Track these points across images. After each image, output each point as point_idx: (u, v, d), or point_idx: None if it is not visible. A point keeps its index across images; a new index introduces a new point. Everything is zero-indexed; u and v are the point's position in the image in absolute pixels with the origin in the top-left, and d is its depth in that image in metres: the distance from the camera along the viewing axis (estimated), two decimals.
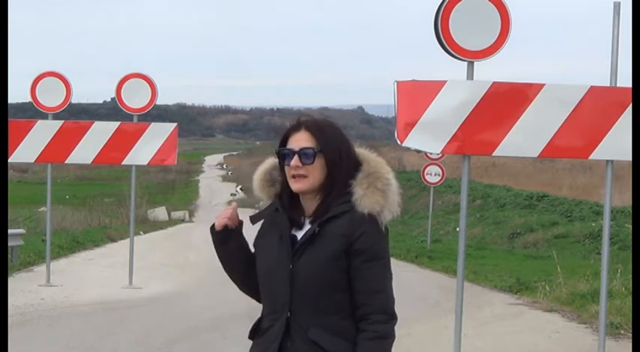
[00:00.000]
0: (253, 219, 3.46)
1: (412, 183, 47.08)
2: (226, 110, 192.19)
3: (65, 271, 16.83)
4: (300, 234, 3.34)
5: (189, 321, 11.45)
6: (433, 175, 24.55)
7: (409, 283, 16.86)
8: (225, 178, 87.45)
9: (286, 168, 3.34)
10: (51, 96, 14.84)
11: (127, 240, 16.71)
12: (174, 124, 14.84)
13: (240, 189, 66.65)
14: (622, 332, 11.03)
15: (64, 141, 14.18)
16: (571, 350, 10.44)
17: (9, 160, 13.64)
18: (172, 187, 65.49)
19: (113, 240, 25.52)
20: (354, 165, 3.36)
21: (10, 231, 15.33)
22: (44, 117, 14.69)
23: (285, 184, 3.39)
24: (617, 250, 21.94)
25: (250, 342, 3.46)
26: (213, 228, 3.45)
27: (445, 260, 21.79)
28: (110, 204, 41.63)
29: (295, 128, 3.37)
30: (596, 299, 11.33)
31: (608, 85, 8.04)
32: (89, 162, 14.65)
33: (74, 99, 16.95)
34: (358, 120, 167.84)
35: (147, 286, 14.96)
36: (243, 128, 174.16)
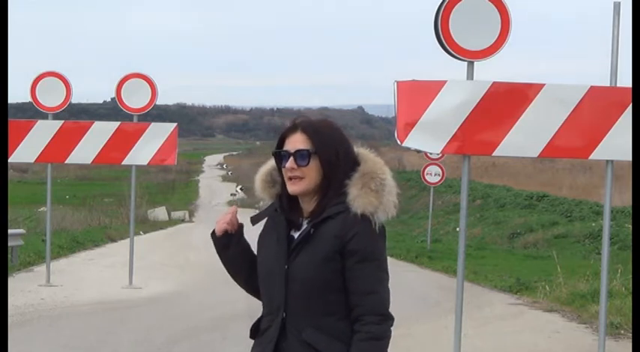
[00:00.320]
0: (253, 220, 3.47)
1: (412, 183, 47.10)
2: (226, 110, 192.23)
3: (65, 271, 16.83)
4: (297, 235, 3.34)
5: (189, 321, 11.46)
6: (433, 175, 24.55)
7: (409, 283, 16.86)
8: (225, 178, 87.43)
9: (283, 169, 3.35)
10: (51, 96, 14.84)
11: (127, 240, 16.71)
12: (174, 124, 14.84)
13: (240, 189, 66.63)
14: (622, 332, 11.03)
15: (64, 141, 14.18)
16: (571, 350, 10.44)
17: (9, 160, 13.64)
18: (172, 187, 65.47)
19: (113, 240, 25.52)
20: (352, 165, 3.35)
21: (10, 231, 15.33)
22: (44, 117, 14.69)
23: (284, 185, 3.39)
24: (617, 250, 21.94)
25: (251, 342, 3.47)
26: (214, 233, 3.45)
27: (445, 260, 21.79)
28: (110, 204, 41.63)
29: (291, 129, 3.37)
30: (596, 299, 11.33)
31: (608, 85, 8.04)
32: (89, 162, 14.65)
33: (74, 99, 16.98)
34: (358, 120, 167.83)
35: (147, 286, 14.96)
36: (243, 128, 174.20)
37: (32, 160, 14.60)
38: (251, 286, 3.48)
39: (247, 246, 3.48)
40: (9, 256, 16.19)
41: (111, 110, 76.10)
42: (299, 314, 3.28)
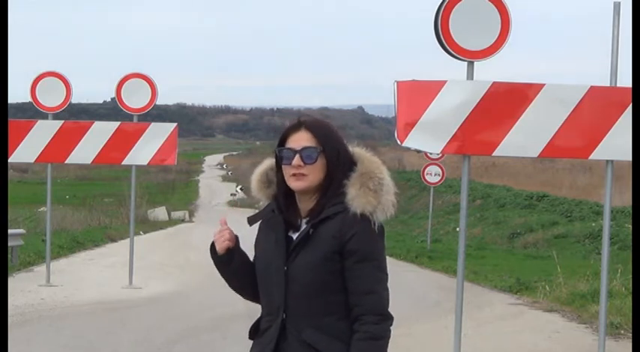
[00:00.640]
0: (251, 221, 3.45)
1: (412, 183, 47.09)
2: (226, 110, 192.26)
3: (65, 271, 16.83)
4: (295, 236, 3.33)
5: (189, 321, 11.46)
6: (433, 175, 24.54)
7: (409, 283, 16.87)
8: (225, 178, 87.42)
9: (285, 167, 3.33)
10: (51, 96, 14.84)
11: (127, 240, 16.71)
12: (174, 124, 14.84)
13: (240, 189, 66.59)
14: (622, 332, 11.03)
15: (64, 141, 14.18)
16: (571, 350, 10.44)
17: (9, 160, 13.64)
18: (172, 187, 65.43)
19: (113, 240, 25.51)
20: (350, 165, 3.35)
21: (10, 231, 15.33)
22: (44, 117, 14.69)
23: (280, 185, 3.39)
24: (617, 250, 21.94)
25: (250, 342, 3.47)
26: (214, 253, 3.42)
27: (445, 260, 21.78)
28: (110, 204, 41.61)
29: (295, 127, 3.37)
30: (596, 299, 11.33)
31: (608, 85, 8.04)
32: (89, 162, 14.65)
33: (74, 99, 16.96)
34: (358, 120, 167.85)
35: (147, 286, 14.96)
36: (243, 128, 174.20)
37: (32, 160, 14.60)
38: (253, 293, 3.46)
39: (247, 257, 3.47)
40: (9, 256, 16.18)
41: (111, 110, 76.08)
42: (299, 314, 3.28)
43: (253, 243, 3.48)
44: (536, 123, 7.78)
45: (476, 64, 8.04)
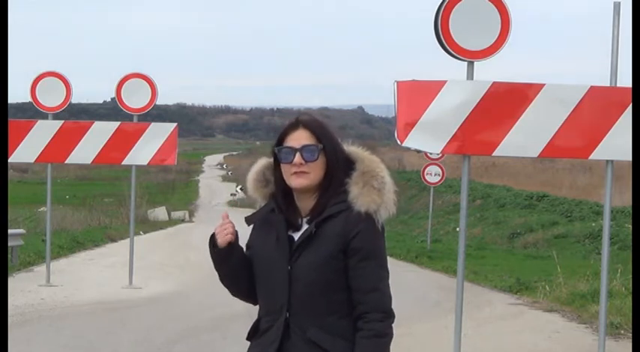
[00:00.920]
0: (249, 220, 3.44)
1: (412, 183, 47.09)
2: (226, 110, 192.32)
3: (65, 271, 16.83)
4: (296, 235, 3.33)
5: (189, 321, 11.46)
6: (433, 175, 24.54)
7: (409, 283, 16.86)
8: (225, 178, 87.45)
9: (285, 166, 3.33)
10: (51, 96, 14.83)
11: (127, 240, 16.71)
12: (174, 124, 14.84)
13: (240, 189, 66.57)
14: (622, 332, 11.03)
15: (64, 141, 14.18)
16: (571, 350, 10.44)
17: (9, 160, 13.64)
18: (172, 187, 65.45)
19: (113, 240, 25.52)
20: (347, 163, 3.36)
21: (10, 231, 15.33)
22: (44, 117, 14.69)
23: (279, 184, 3.38)
24: (617, 250, 21.94)
25: (248, 343, 3.46)
26: (214, 246, 3.38)
27: (445, 260, 21.78)
28: (110, 204, 41.62)
29: (293, 126, 3.36)
30: (596, 299, 11.33)
31: (608, 84, 8.04)
32: (89, 162, 14.65)
33: (74, 99, 16.96)
34: (358, 120, 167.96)
35: (147, 286, 14.96)
36: (243, 128, 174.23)
37: (32, 160, 14.60)
38: (251, 292, 3.45)
39: (244, 254, 3.44)
40: (9, 256, 16.18)
41: (111, 110, 76.07)
42: (302, 313, 3.28)
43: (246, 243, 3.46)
44: (536, 123, 7.78)
45: (476, 64, 8.04)
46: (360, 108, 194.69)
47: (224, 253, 3.37)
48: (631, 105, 7.71)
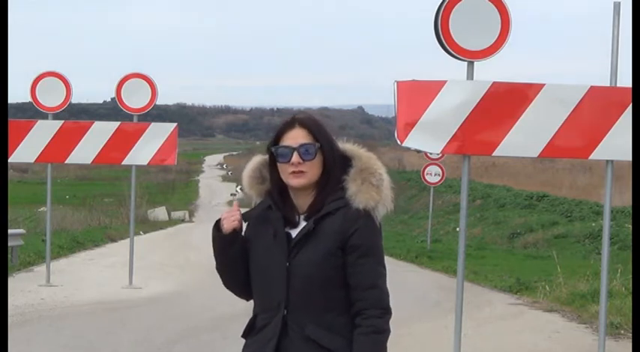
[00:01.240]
0: (246, 218, 3.44)
1: (412, 183, 47.11)
2: (226, 110, 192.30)
3: (65, 271, 16.83)
4: (294, 232, 3.33)
5: (189, 321, 11.46)
6: (433, 175, 24.55)
7: (409, 283, 16.87)
8: (225, 178, 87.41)
9: (282, 165, 3.33)
10: (51, 96, 14.84)
11: (127, 240, 16.71)
12: (174, 124, 14.84)
13: (240, 189, 66.22)
14: (622, 332, 11.03)
15: (64, 141, 14.18)
16: (571, 350, 10.44)
17: (9, 160, 13.64)
18: (172, 187, 65.44)
19: (113, 240, 25.52)
20: (343, 160, 3.36)
21: (10, 231, 15.33)
22: (44, 117, 14.69)
23: (275, 182, 3.38)
24: (617, 250, 21.94)
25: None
26: (218, 231, 3.39)
27: (445, 260, 21.79)
28: (110, 204, 41.63)
29: (289, 125, 3.36)
30: (596, 299, 11.32)
31: (608, 84, 8.04)
32: (89, 162, 14.65)
33: (74, 99, 16.96)
34: (358, 120, 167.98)
35: (147, 286, 14.96)
36: (243, 128, 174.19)
37: (32, 160, 14.60)
38: (246, 285, 3.44)
39: (245, 245, 3.45)
40: (9, 256, 16.18)
41: (111, 110, 76.06)
42: (300, 310, 3.28)
43: None
44: (536, 123, 7.78)
45: (476, 64, 8.04)
46: (360, 108, 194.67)
47: (228, 239, 3.37)
48: (631, 105, 7.71)
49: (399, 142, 7.83)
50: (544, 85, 7.87)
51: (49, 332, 10.57)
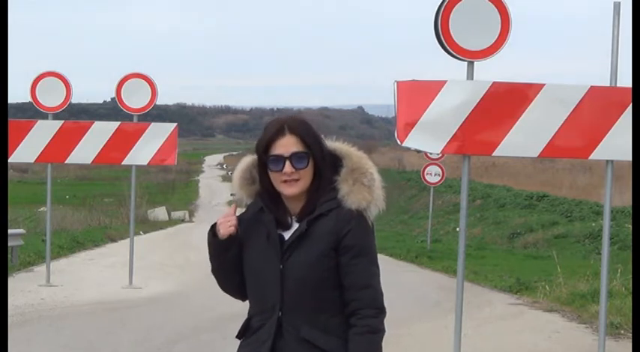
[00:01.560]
0: (240, 220, 3.42)
1: (412, 183, 47.15)
2: (226, 110, 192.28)
3: (65, 271, 16.83)
4: (287, 234, 3.33)
5: (189, 321, 11.46)
6: (433, 175, 24.55)
7: (409, 283, 16.88)
8: (225, 178, 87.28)
9: (275, 174, 3.30)
10: (51, 96, 14.84)
11: (127, 240, 16.71)
12: (174, 124, 14.84)
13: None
14: (622, 332, 11.03)
15: (64, 141, 14.18)
16: (571, 350, 10.44)
17: (9, 160, 13.64)
18: (172, 187, 65.43)
19: (113, 240, 25.52)
20: (333, 159, 3.35)
21: (10, 231, 15.33)
22: (44, 117, 14.69)
23: (265, 186, 3.35)
24: (617, 250, 21.95)
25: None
26: (214, 236, 3.38)
27: (445, 260, 21.79)
28: (110, 204, 41.63)
29: (280, 132, 3.31)
30: (596, 299, 11.33)
31: (608, 84, 8.04)
32: (89, 162, 14.65)
33: (74, 99, 16.96)
34: (358, 120, 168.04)
35: (147, 286, 14.96)
36: (243, 128, 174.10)
37: (32, 160, 14.60)
38: (241, 287, 3.44)
39: (240, 249, 3.43)
40: (9, 256, 16.19)
41: (111, 110, 76.09)
42: (295, 312, 3.28)
43: None
44: (536, 123, 7.78)
45: (476, 64, 8.04)
46: (360, 108, 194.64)
47: (224, 245, 3.36)
48: (631, 105, 7.71)
49: (399, 142, 7.83)
50: (544, 85, 7.88)
51: (49, 332, 10.57)
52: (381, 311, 3.30)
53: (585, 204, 33.88)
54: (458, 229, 8.78)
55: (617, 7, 8.00)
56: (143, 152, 14.36)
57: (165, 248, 24.17)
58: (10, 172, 49.43)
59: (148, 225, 35.09)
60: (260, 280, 3.34)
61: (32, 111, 16.00)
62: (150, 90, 15.21)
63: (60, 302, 12.93)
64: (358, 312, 3.27)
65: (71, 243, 22.20)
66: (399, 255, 23.90)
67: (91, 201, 40.65)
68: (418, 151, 18.26)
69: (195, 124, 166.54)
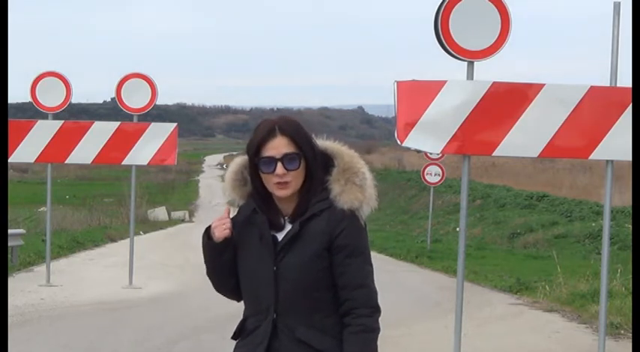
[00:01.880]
0: (233, 221, 3.41)
1: (412, 183, 47.12)
2: (226, 110, 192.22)
3: (65, 271, 16.84)
4: (280, 235, 3.32)
5: (189, 321, 11.46)
6: (433, 175, 24.55)
7: (409, 283, 16.88)
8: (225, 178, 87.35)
9: (267, 175, 3.29)
10: (51, 96, 14.84)
11: (127, 240, 16.72)
12: (174, 124, 14.84)
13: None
14: (622, 332, 11.03)
15: (64, 141, 14.19)
16: (571, 350, 10.44)
17: (9, 160, 13.64)
18: (172, 187, 65.41)
19: (113, 240, 25.53)
20: (324, 159, 3.34)
21: (10, 231, 15.33)
22: (44, 117, 14.69)
23: (257, 188, 3.34)
24: (617, 250, 21.94)
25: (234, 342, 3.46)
26: (209, 239, 3.37)
27: (445, 260, 21.79)
28: (110, 204, 41.62)
29: (271, 134, 3.29)
30: (596, 299, 11.33)
31: (608, 84, 8.04)
32: (89, 162, 14.65)
33: (74, 99, 16.96)
34: (358, 120, 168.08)
35: (147, 286, 14.96)
36: (243, 128, 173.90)
37: (32, 160, 14.60)
38: (236, 289, 3.44)
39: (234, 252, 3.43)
40: (9, 256, 16.19)
41: (111, 110, 76.04)
42: (290, 313, 3.28)
43: None
44: (536, 123, 7.79)
45: (476, 64, 8.04)
46: (360, 108, 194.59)
47: (219, 247, 3.35)
48: (631, 105, 7.71)
49: (399, 142, 7.83)
50: (544, 84, 7.88)
51: (49, 332, 10.57)
52: (375, 310, 3.30)
53: (585, 204, 33.86)
54: (458, 229, 8.78)
55: (617, 7, 8.00)
56: (143, 152, 14.37)
57: (166, 248, 24.18)
58: (10, 172, 49.43)
59: (148, 225, 35.09)
60: (254, 282, 3.34)
61: (32, 111, 16.01)
62: (150, 90, 15.21)
63: (60, 302, 12.93)
64: (353, 312, 3.26)
65: (71, 243, 22.21)
66: (399, 255, 23.91)
67: (91, 201, 40.63)
68: (418, 151, 18.27)
69: (195, 124, 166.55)
